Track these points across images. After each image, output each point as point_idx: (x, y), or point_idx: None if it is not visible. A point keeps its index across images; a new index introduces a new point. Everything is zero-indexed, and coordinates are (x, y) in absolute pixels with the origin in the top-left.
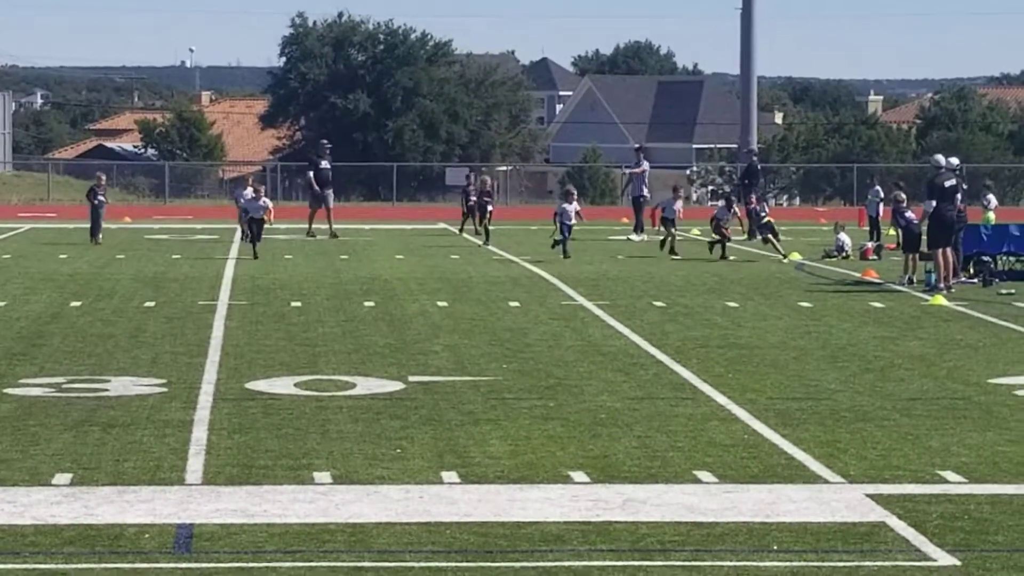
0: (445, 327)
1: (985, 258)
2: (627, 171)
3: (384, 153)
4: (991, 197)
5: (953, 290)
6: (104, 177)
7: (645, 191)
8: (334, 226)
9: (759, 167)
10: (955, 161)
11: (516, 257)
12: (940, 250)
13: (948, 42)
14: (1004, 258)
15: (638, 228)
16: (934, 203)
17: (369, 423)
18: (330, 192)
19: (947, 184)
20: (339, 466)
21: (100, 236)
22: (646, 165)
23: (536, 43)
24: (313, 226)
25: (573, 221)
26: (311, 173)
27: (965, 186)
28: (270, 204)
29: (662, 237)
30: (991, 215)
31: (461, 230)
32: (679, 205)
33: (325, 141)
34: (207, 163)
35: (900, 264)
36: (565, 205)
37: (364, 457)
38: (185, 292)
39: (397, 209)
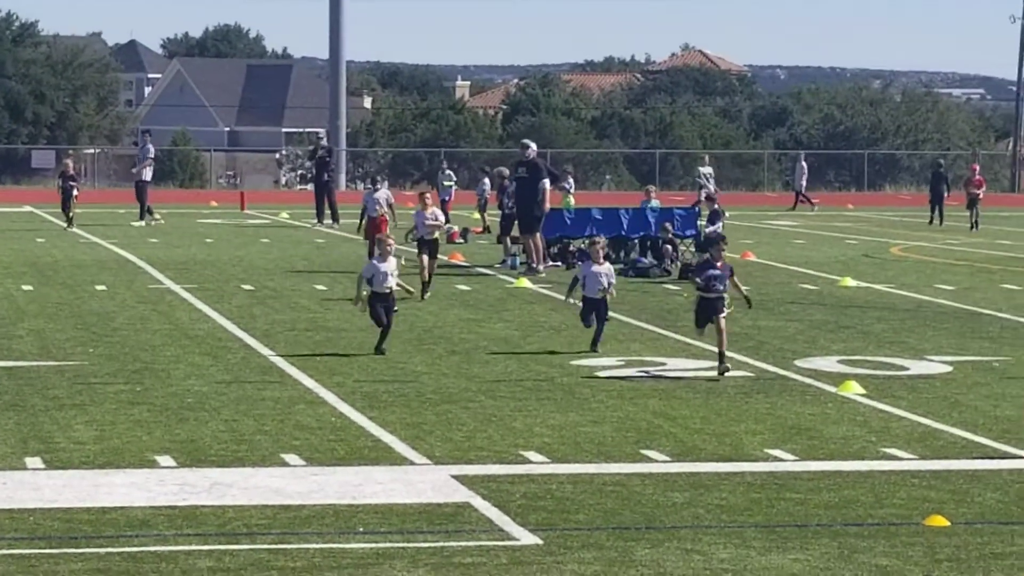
0: (30, 311)
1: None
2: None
3: None
4: (570, 180)
5: (543, 273)
6: None
7: (147, 175)
8: None
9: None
10: (532, 145)
11: (103, 240)
12: (530, 234)
13: (534, 29)
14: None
15: (144, 213)
16: (547, 183)
17: None
18: None
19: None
20: None
21: None
22: (151, 150)
23: (124, 25)
24: None
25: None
26: None
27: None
28: None
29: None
30: (571, 199)
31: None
32: None
33: None
34: None
35: (487, 248)
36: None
37: None
38: None
39: None
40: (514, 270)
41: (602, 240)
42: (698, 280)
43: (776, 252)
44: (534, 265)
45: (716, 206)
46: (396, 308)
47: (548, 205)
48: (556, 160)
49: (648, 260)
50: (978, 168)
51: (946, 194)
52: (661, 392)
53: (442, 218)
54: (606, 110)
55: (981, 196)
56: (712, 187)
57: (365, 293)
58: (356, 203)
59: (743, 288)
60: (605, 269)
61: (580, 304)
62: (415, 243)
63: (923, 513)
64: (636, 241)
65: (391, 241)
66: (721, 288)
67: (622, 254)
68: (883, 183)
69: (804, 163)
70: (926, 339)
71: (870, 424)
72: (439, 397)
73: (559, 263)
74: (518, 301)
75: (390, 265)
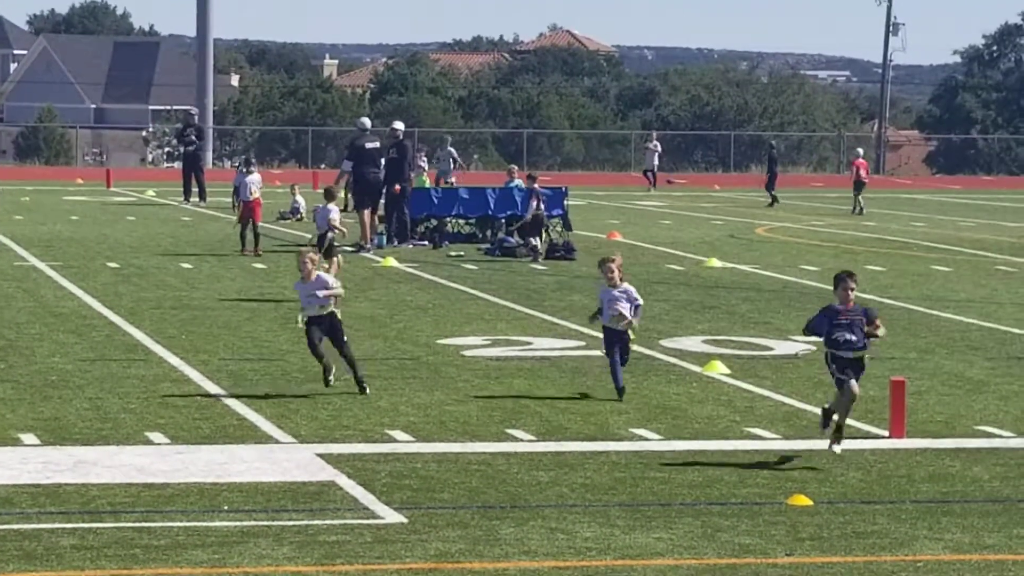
0: None
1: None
2: None
3: None
4: (425, 161)
5: (371, 250)
6: None
7: None
8: None
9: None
10: (399, 125)
11: None
12: (363, 211)
13: (402, 8)
14: (453, 221)
15: None
16: (351, 164)
17: None
18: None
19: (368, 146)
20: None
21: None
22: None
23: None
24: None
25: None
26: None
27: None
28: None
29: None
30: (425, 178)
31: None
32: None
33: None
34: None
35: (352, 227)
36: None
37: None
38: None
39: None
40: (381, 249)
41: (618, 259)
42: (826, 336)
43: (643, 232)
44: (362, 243)
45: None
46: (345, 339)
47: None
48: (424, 139)
49: (515, 240)
50: (862, 152)
51: (776, 174)
52: (527, 371)
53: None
54: (474, 90)
55: (867, 180)
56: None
57: (301, 324)
58: (223, 181)
59: (881, 331)
60: (621, 293)
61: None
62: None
63: (786, 492)
64: (503, 220)
65: (308, 259)
66: (855, 340)
67: (489, 233)
68: (749, 164)
69: (655, 143)
70: (790, 319)
71: (734, 404)
72: (305, 376)
73: (425, 242)
74: (385, 280)
75: (317, 283)
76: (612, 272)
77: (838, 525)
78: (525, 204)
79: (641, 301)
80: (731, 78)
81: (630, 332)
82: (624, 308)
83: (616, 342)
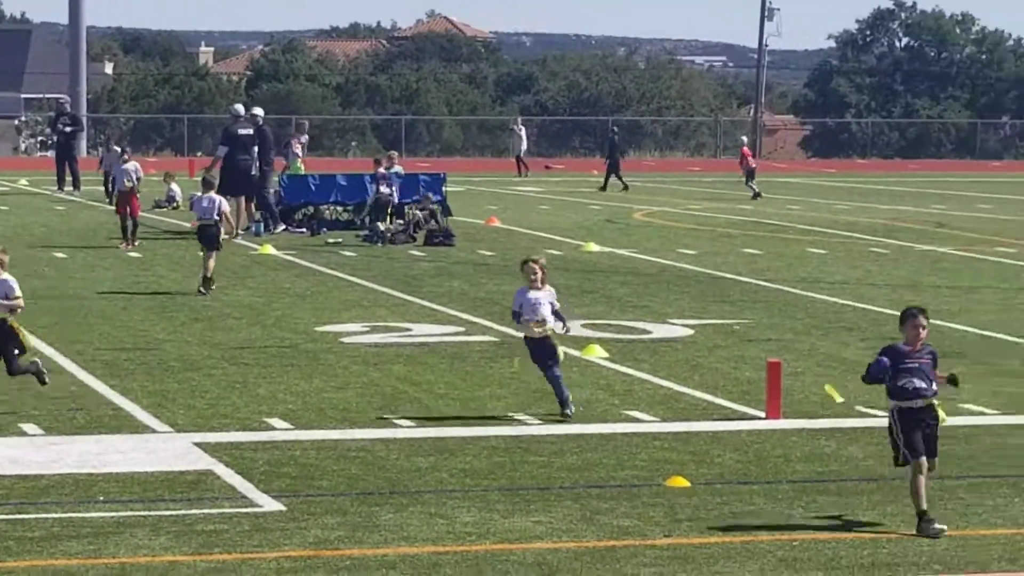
0: None
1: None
2: None
3: None
4: (300, 148)
5: (240, 236)
6: None
7: None
8: None
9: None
10: (259, 111)
11: None
12: (235, 198)
13: None
14: (331, 207)
15: None
16: (226, 149)
17: None
18: None
19: (241, 132)
20: None
21: None
22: None
23: None
24: None
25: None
26: None
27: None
28: None
29: None
30: (300, 165)
31: None
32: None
33: None
34: None
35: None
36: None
37: None
38: None
39: None
40: (258, 237)
41: (542, 259)
42: (893, 384)
43: (520, 218)
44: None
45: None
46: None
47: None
48: (301, 126)
49: (393, 226)
50: (747, 140)
51: (618, 160)
52: (406, 357)
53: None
54: (351, 76)
55: (755, 166)
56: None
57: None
58: (97, 170)
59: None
60: (545, 295)
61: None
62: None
63: (664, 474)
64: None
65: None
66: (924, 388)
67: (367, 220)
68: (627, 149)
69: (519, 127)
70: (668, 303)
71: (613, 387)
72: (181, 364)
73: (303, 230)
74: (263, 268)
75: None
76: (536, 273)
77: (715, 506)
78: (405, 191)
79: (557, 305)
80: (609, 64)
81: (552, 337)
82: (547, 313)
83: (542, 352)
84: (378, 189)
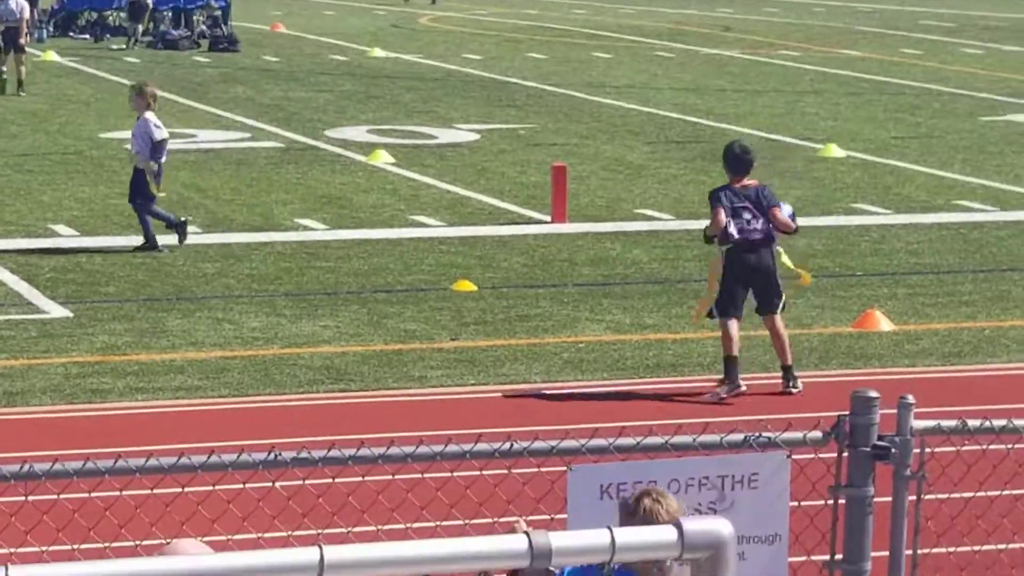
0: None
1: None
2: None
3: None
4: None
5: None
6: None
7: None
8: None
9: None
10: None
11: None
12: None
13: None
14: (115, 14)
15: None
16: None
17: None
18: None
19: None
20: None
21: None
22: None
23: None
24: None
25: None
26: None
27: None
28: None
29: None
30: None
31: None
32: None
33: None
34: None
35: None
36: None
37: None
38: None
39: None
40: (41, 43)
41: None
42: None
43: (305, 23)
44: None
45: None
46: None
47: None
48: None
49: (178, 32)
50: None
51: None
52: (191, 164)
53: None
54: None
55: None
56: None
57: None
58: None
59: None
60: None
61: None
62: None
63: (451, 278)
64: (167, 12)
65: None
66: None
67: (152, 26)
68: None
69: None
70: (454, 108)
71: (399, 192)
72: None
73: (86, 36)
74: (46, 75)
75: None
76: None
77: (502, 309)
78: None
79: None
80: None
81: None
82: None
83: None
84: None
